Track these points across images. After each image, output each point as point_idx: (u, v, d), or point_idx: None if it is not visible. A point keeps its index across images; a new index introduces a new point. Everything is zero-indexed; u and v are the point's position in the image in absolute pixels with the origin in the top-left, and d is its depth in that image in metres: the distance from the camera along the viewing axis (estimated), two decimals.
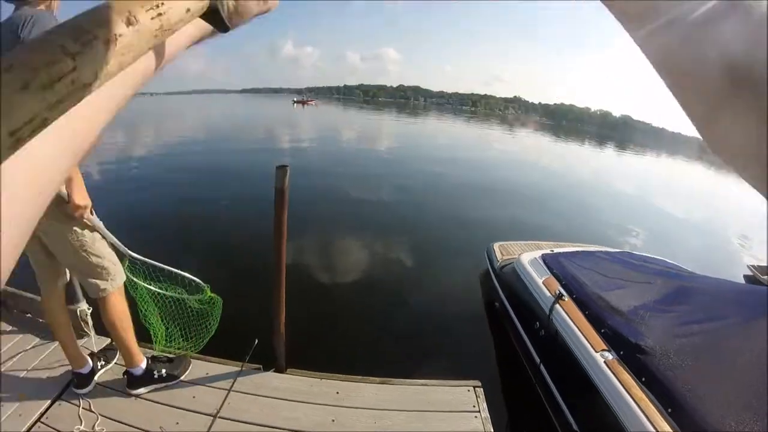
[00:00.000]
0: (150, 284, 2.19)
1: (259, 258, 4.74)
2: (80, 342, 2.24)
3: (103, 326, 2.09)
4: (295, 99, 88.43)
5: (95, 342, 2.41)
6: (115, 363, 2.25)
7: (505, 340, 3.90)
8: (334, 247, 5.89)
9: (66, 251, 1.75)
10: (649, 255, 4.47)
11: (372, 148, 18.74)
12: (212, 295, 2.31)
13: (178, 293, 2.26)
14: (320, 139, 21.25)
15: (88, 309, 2.44)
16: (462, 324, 4.24)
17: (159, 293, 2.23)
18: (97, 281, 1.84)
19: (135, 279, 2.11)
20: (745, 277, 7.63)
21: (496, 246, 5.08)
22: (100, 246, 1.82)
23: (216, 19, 0.30)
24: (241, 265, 4.80)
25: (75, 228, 1.71)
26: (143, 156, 13.10)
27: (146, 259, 2.11)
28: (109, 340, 2.42)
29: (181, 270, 2.21)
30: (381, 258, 5.74)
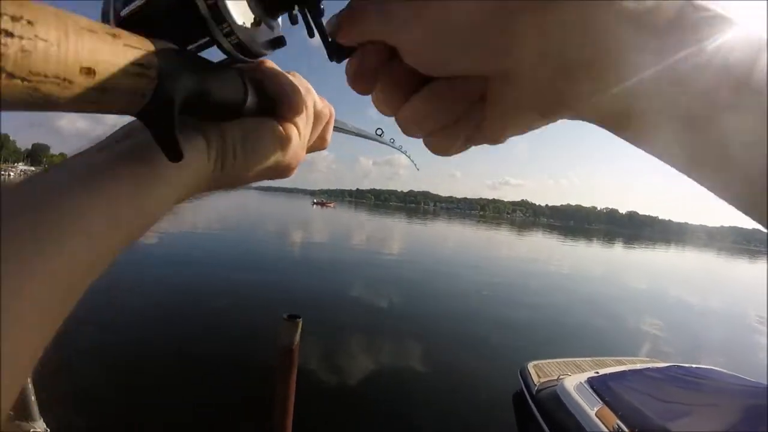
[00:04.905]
0: None
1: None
2: None
3: None
4: (314, 201, 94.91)
5: None
6: None
7: None
8: (348, 357, 5.41)
9: None
10: (699, 366, 4.21)
11: (383, 251, 18.14)
12: None
13: None
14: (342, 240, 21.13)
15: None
16: None
17: None
18: None
19: None
20: None
21: (531, 366, 4.55)
22: None
23: (156, 121, 0.15)
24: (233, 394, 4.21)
25: None
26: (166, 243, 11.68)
27: None
28: None
29: None
30: (391, 372, 5.22)
